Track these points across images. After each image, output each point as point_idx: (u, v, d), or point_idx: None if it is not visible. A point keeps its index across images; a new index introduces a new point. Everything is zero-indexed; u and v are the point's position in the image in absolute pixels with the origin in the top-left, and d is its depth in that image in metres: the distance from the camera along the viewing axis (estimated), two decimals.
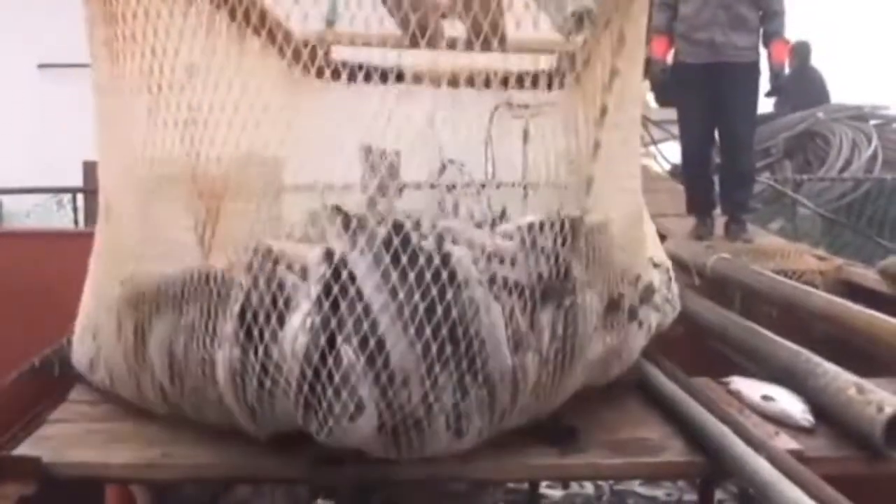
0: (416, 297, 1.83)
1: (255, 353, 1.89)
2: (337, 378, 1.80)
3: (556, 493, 4.19)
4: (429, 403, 1.85)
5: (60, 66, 8.37)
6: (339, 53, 2.20)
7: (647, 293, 2.49)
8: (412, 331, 1.82)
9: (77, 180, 6.58)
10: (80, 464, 2.09)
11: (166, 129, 2.06)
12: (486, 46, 1.97)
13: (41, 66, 9.07)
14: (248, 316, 1.90)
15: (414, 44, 1.96)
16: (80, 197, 6.72)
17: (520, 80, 2.04)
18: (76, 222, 6.72)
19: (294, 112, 2.12)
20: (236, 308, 1.92)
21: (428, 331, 1.82)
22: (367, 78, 2.02)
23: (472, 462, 2.04)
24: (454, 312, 1.84)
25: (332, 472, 2.05)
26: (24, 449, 2.12)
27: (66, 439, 2.20)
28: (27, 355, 2.67)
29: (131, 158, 2.17)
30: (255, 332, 1.89)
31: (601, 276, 2.19)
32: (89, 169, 5.98)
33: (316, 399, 1.82)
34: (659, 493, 4.15)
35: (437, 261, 1.86)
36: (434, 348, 1.82)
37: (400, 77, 1.99)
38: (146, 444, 2.15)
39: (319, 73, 2.03)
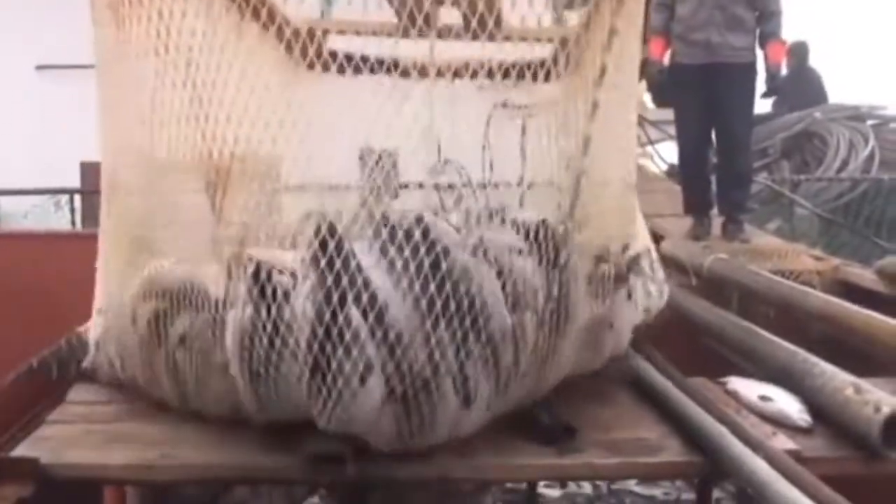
0: (417, 263, 1.89)
1: (268, 311, 1.92)
2: (347, 336, 1.83)
3: (555, 492, 4.20)
4: (435, 363, 1.88)
5: (59, 68, 8.36)
6: (336, 42, 2.20)
7: (634, 261, 2.52)
8: (414, 294, 1.88)
9: (75, 181, 6.60)
10: (79, 465, 2.09)
11: (174, 91, 2.07)
12: (482, 29, 1.98)
13: (39, 67, 9.05)
14: (262, 276, 1.94)
15: (410, 29, 1.97)
16: (77, 198, 6.72)
17: (518, 70, 2.06)
18: (73, 223, 6.72)
19: (296, 87, 2.12)
20: (250, 269, 1.95)
21: (431, 289, 1.88)
22: (363, 68, 2.03)
23: (471, 461, 2.05)
24: (454, 275, 1.90)
25: (333, 471, 2.05)
26: (22, 450, 2.12)
27: (64, 440, 2.20)
28: (25, 356, 2.66)
29: (139, 123, 2.18)
30: (269, 291, 1.93)
31: (590, 239, 2.24)
32: (87, 170, 6.00)
33: (325, 359, 1.84)
34: (657, 492, 4.16)
35: (433, 232, 1.93)
36: (437, 307, 1.88)
37: (396, 67, 2.00)
38: (145, 445, 2.15)
39: (314, 62, 2.04)
